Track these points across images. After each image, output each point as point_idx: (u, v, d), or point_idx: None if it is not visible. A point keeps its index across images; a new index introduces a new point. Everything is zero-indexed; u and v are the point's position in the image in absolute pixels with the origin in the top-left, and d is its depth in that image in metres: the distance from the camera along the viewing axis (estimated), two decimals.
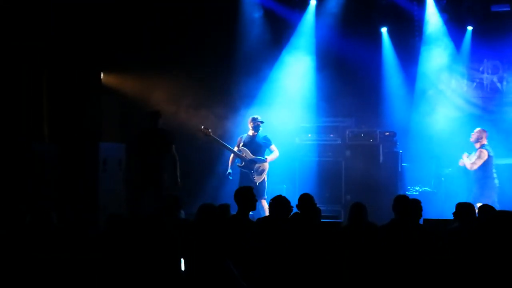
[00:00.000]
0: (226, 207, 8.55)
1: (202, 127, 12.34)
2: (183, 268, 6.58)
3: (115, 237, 6.95)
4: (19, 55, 12.12)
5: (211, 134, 12.30)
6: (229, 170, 12.43)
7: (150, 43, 14.51)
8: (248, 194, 8.28)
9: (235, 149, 12.41)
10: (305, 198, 8.28)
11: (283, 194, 8.41)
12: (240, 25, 14.68)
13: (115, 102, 14.32)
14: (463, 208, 8.04)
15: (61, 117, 12.84)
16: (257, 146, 12.42)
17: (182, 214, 8.42)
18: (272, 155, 12.53)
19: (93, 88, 13.55)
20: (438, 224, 8.70)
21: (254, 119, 12.44)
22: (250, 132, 12.45)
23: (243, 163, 12.34)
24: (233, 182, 12.27)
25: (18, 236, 7.09)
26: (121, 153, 12.70)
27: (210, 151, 13.94)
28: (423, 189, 13.92)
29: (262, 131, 12.52)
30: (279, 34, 14.98)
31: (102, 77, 14.02)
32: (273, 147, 12.56)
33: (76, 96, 13.12)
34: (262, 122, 12.43)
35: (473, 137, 12.35)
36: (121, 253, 6.70)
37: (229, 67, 14.50)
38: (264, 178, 12.40)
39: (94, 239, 7.32)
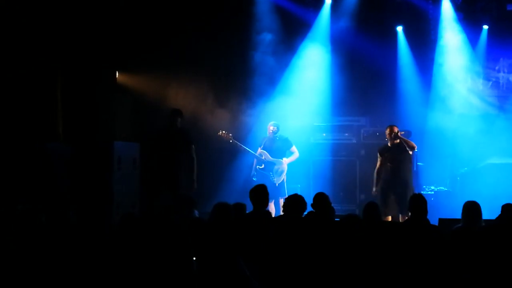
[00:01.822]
0: (241, 206, 8.53)
1: (223, 131, 12.36)
2: (195, 266, 6.58)
3: (129, 235, 6.95)
4: (33, 55, 12.14)
5: (232, 138, 12.31)
6: (253, 172, 12.44)
7: (165, 43, 14.49)
8: (262, 192, 8.33)
9: (258, 150, 12.41)
10: (320, 197, 8.29)
11: (297, 193, 8.40)
12: (256, 25, 14.64)
13: (129, 101, 14.32)
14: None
15: (75, 116, 12.86)
16: (276, 148, 12.43)
17: (196, 213, 8.41)
18: (292, 156, 12.54)
19: (108, 87, 13.56)
20: (453, 223, 8.63)
21: (272, 124, 12.47)
22: (271, 134, 12.45)
23: (263, 165, 12.36)
24: (249, 183, 12.24)
25: (35, 235, 7.09)
26: (136, 152, 12.75)
27: (226, 151, 13.91)
28: (438, 188, 13.86)
29: (283, 132, 12.54)
30: (294, 33, 14.94)
31: (117, 77, 14.04)
32: (293, 148, 12.56)
33: (90, 95, 13.14)
34: (277, 125, 12.44)
35: None
36: (134, 252, 6.70)
37: (244, 67, 14.47)
38: (283, 179, 12.40)
39: (108, 238, 7.33)
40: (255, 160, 12.46)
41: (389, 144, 11.47)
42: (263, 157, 12.35)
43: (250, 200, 8.41)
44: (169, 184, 11.38)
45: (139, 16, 14.06)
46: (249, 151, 12.43)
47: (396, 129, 11.39)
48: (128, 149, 12.68)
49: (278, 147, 12.46)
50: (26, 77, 12.13)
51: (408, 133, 13.03)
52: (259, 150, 12.45)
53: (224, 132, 12.37)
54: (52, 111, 12.60)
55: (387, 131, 11.43)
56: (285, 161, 12.42)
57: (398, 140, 11.34)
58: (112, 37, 13.55)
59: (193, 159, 11.46)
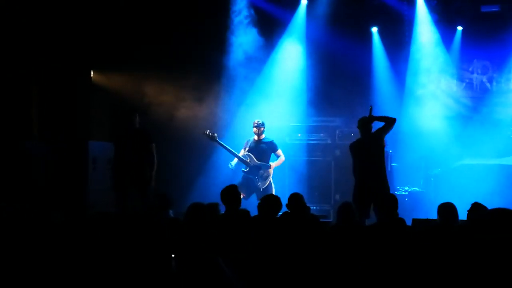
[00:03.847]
0: (215, 206, 8.55)
1: (208, 131, 12.31)
2: (173, 266, 6.59)
3: (104, 235, 6.95)
4: (8, 55, 12.09)
5: (217, 138, 12.28)
6: (232, 162, 12.41)
7: (141, 42, 14.46)
8: (232, 192, 8.35)
9: (241, 152, 12.40)
10: (295, 198, 8.32)
11: (273, 194, 8.45)
12: (232, 24, 14.63)
13: (106, 101, 14.29)
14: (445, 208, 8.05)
15: (50, 116, 12.81)
16: (262, 151, 12.43)
17: (171, 213, 8.42)
18: (278, 160, 12.56)
19: (83, 87, 13.53)
20: (427, 223, 8.71)
21: (256, 124, 12.45)
22: (255, 137, 12.46)
23: (247, 169, 12.34)
24: (224, 182, 12.20)
25: (16, 235, 7.09)
26: (111, 152, 12.71)
27: (200, 150, 13.93)
28: (412, 189, 13.93)
29: (268, 135, 12.55)
30: (270, 33, 14.95)
31: (92, 76, 13.99)
32: (279, 152, 12.58)
33: (65, 94, 13.10)
34: (263, 126, 12.45)
35: None
36: (109, 251, 6.70)
37: (220, 67, 14.46)
38: (269, 182, 12.42)
39: (83, 238, 7.32)
40: (235, 159, 12.42)
41: (361, 138, 10.73)
42: (248, 160, 12.34)
43: (221, 201, 8.41)
44: (133, 183, 11.30)
45: (114, 15, 14.03)
46: (233, 153, 12.38)
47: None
48: (103, 149, 12.65)
49: (263, 150, 12.46)
50: (0, 77, 12.08)
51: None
52: (242, 151, 12.42)
53: (208, 131, 12.35)
54: (27, 111, 12.55)
55: (360, 122, 10.68)
56: (272, 166, 12.43)
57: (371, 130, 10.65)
58: (87, 37, 13.51)
59: (153, 157, 11.36)
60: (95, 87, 14.15)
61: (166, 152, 12.48)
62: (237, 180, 12.25)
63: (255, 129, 12.39)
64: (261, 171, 12.32)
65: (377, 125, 10.58)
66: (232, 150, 12.39)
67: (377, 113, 10.80)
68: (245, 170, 12.35)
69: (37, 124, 12.73)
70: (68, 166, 12.10)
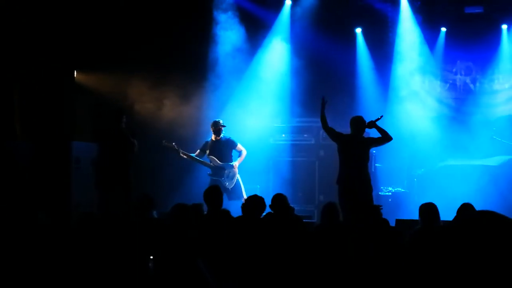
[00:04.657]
0: (199, 206, 8.54)
1: (166, 141, 12.20)
2: (152, 267, 6.58)
3: (87, 235, 6.94)
4: None
5: (178, 148, 12.16)
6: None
7: (125, 41, 14.41)
8: (214, 193, 8.34)
9: (197, 152, 12.34)
10: (278, 198, 8.30)
11: (257, 194, 8.44)
12: (215, 24, 14.61)
13: (88, 101, 14.24)
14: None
15: (34, 116, 12.76)
16: (222, 150, 12.36)
17: (155, 214, 8.39)
18: (240, 157, 12.50)
19: (67, 87, 13.48)
20: (410, 224, 8.73)
21: (215, 123, 12.35)
22: (213, 137, 12.37)
23: (213, 172, 12.30)
24: (206, 183, 12.18)
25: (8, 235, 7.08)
26: (94, 152, 12.68)
27: (183, 150, 13.89)
28: (396, 189, 13.97)
29: (225, 133, 12.43)
30: (254, 34, 14.93)
31: (75, 76, 13.95)
32: (239, 146, 12.48)
33: (49, 94, 13.05)
34: (224, 126, 12.37)
35: None
36: (92, 251, 6.69)
37: (204, 67, 14.44)
38: (236, 181, 12.38)
39: (66, 237, 7.30)
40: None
41: (352, 135, 10.57)
42: (211, 163, 12.31)
43: (204, 202, 8.41)
44: (118, 183, 11.27)
45: (97, 14, 13.98)
46: (196, 159, 12.30)
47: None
48: (87, 149, 12.61)
49: (223, 149, 12.38)
50: None
51: (366, 134, 13.06)
52: (198, 152, 12.38)
53: (165, 142, 12.21)
54: (10, 111, 12.49)
55: (358, 120, 10.55)
56: (236, 165, 12.38)
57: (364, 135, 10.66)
58: (70, 36, 13.46)
59: (134, 146, 11.33)
60: (79, 87, 14.09)
61: (149, 152, 12.47)
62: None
63: (213, 128, 12.31)
64: (226, 171, 12.28)
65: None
66: (195, 157, 12.28)
67: (360, 113, 10.86)
68: (210, 174, 12.29)
69: (20, 124, 12.67)
70: (52, 166, 12.05)
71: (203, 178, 12.57)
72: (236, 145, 12.47)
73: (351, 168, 10.43)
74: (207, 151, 12.35)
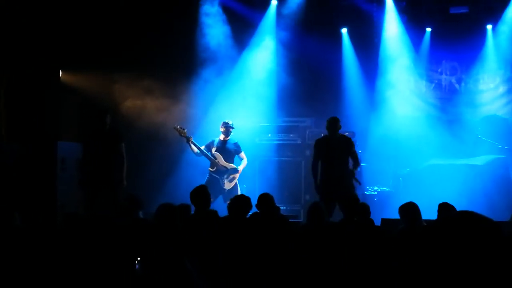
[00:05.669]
0: (186, 207, 8.53)
1: (178, 126, 12.21)
2: (139, 268, 6.56)
3: (72, 236, 6.92)
4: None
5: (186, 133, 12.16)
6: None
7: (110, 41, 14.38)
8: (202, 193, 8.33)
9: (202, 147, 12.29)
10: (264, 198, 8.30)
11: (243, 194, 8.45)
12: (202, 23, 14.60)
13: (74, 101, 14.19)
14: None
15: (19, 116, 12.72)
16: (228, 152, 12.38)
17: (141, 214, 8.37)
18: (242, 164, 12.53)
19: (52, 87, 13.43)
20: (395, 223, 8.76)
21: (225, 124, 12.35)
22: (222, 137, 12.38)
23: (215, 168, 12.28)
24: (192, 182, 12.13)
25: None
26: (80, 152, 12.63)
27: (170, 150, 13.89)
28: (381, 189, 14.00)
29: (233, 136, 12.49)
30: (240, 34, 14.94)
31: (61, 76, 13.90)
32: (242, 154, 12.54)
33: (34, 94, 13.00)
34: (233, 127, 12.39)
35: None
36: (77, 252, 6.67)
37: (190, 68, 14.42)
38: (235, 184, 12.38)
39: (51, 238, 7.27)
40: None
41: (329, 137, 10.91)
42: (217, 160, 12.31)
43: (191, 202, 8.39)
44: (104, 183, 11.21)
45: (82, 14, 13.93)
46: (202, 151, 12.24)
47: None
48: (72, 149, 12.56)
49: (230, 151, 12.42)
50: None
51: (352, 134, 13.14)
52: (213, 152, 12.37)
53: (178, 126, 12.22)
54: None
55: (332, 121, 10.83)
56: (240, 170, 12.41)
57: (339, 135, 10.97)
58: (55, 36, 13.41)
59: (123, 157, 11.26)
60: (64, 87, 14.04)
61: (134, 152, 12.44)
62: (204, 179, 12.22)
63: (223, 129, 12.33)
64: (228, 173, 12.29)
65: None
66: (201, 149, 12.20)
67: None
68: (212, 170, 12.29)
69: (5, 124, 12.62)
70: (37, 166, 12.01)
71: (188, 178, 12.55)
72: (240, 152, 12.54)
73: (333, 167, 10.65)
74: (213, 149, 12.34)
